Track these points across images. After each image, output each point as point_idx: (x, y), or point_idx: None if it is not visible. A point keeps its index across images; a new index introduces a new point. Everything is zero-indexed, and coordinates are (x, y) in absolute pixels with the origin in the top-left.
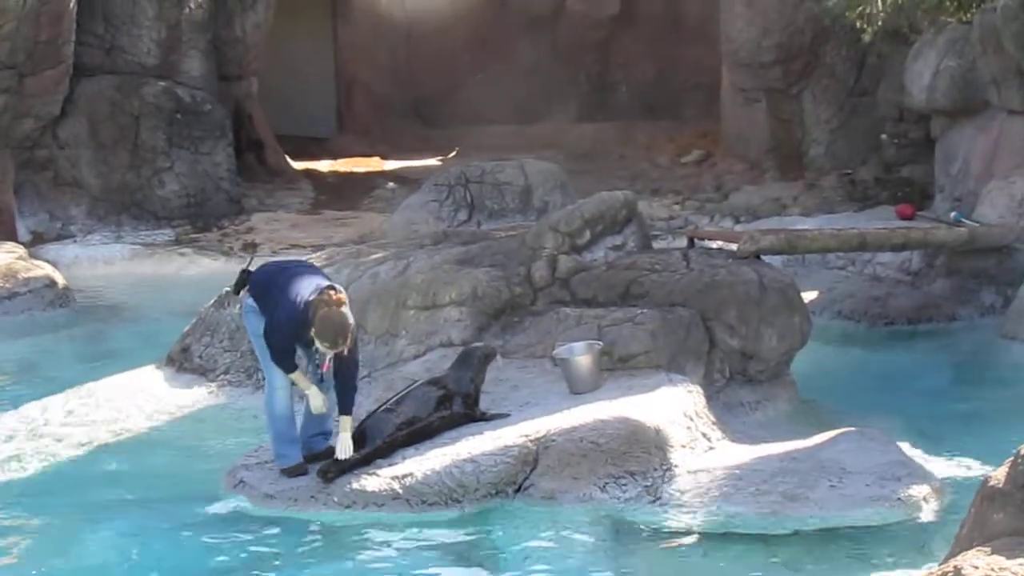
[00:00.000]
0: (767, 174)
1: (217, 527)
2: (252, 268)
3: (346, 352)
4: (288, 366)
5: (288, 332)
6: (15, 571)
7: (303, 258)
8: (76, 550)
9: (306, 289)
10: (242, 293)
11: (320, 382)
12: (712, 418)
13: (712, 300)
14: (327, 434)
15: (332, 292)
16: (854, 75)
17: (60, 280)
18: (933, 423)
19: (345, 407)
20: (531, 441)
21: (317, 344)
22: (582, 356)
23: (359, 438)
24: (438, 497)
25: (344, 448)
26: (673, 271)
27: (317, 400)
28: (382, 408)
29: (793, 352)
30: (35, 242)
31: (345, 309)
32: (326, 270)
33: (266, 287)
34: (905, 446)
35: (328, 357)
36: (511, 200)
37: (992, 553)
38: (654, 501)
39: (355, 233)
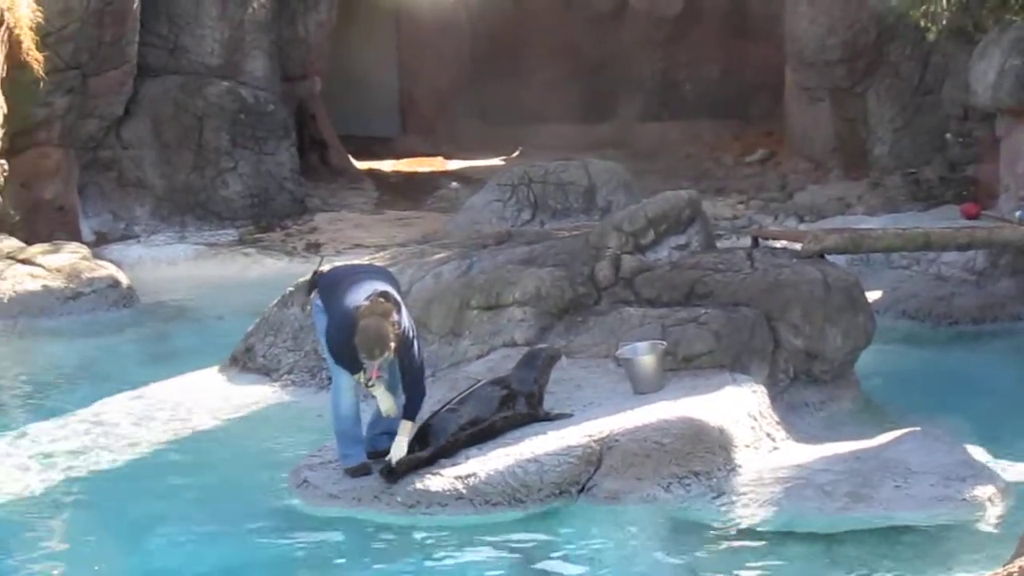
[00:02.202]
0: (831, 173)
1: (280, 527)
2: (324, 269)
3: (393, 356)
4: (351, 368)
5: (341, 338)
6: (79, 568)
7: (372, 262)
8: (140, 548)
9: (361, 296)
10: (313, 294)
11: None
12: (776, 418)
13: (776, 300)
14: (392, 433)
15: (381, 301)
16: (919, 74)
17: (124, 280)
18: (998, 423)
19: (409, 412)
20: (595, 441)
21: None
22: (646, 356)
23: (422, 437)
24: (501, 497)
25: (398, 451)
26: (737, 271)
27: (386, 402)
28: (445, 408)
29: (857, 352)
30: (99, 242)
31: (394, 317)
32: (389, 270)
33: (332, 290)
34: (970, 446)
35: (374, 365)
36: (575, 200)
37: None
38: (718, 501)
39: (418, 233)
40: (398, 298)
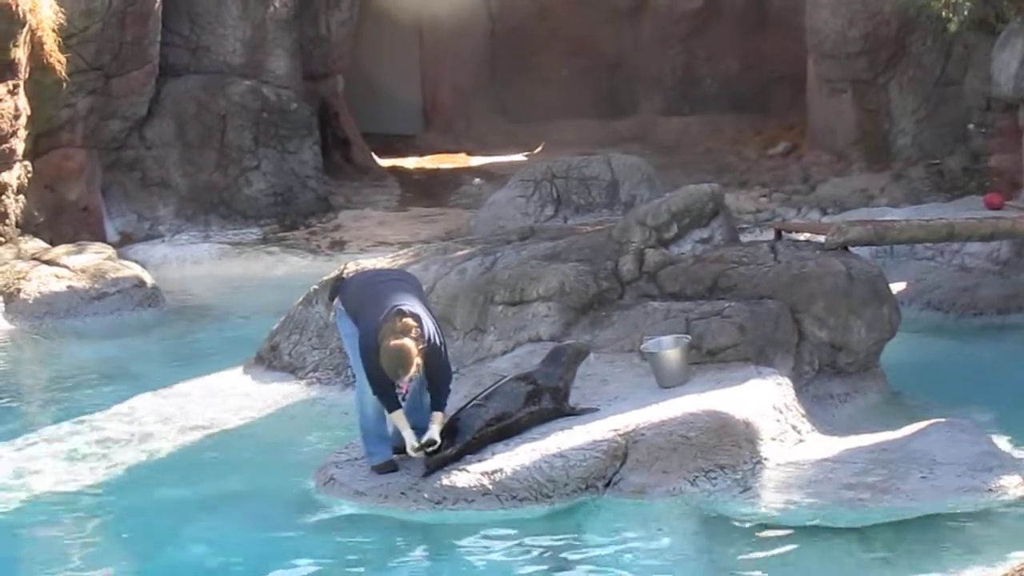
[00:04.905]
0: (854, 165)
1: (307, 524)
2: (346, 275)
3: (422, 366)
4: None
5: (371, 358)
6: (106, 565)
7: (394, 261)
8: (166, 547)
9: (380, 313)
10: (336, 300)
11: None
12: (801, 410)
13: (800, 292)
14: (419, 430)
15: (398, 319)
16: (941, 65)
17: (149, 280)
18: (1023, 413)
19: (437, 405)
20: (620, 435)
21: None
22: (670, 350)
23: (449, 433)
24: (528, 492)
25: (431, 436)
26: (761, 264)
27: (400, 423)
28: (471, 404)
29: (882, 344)
30: (123, 243)
31: (415, 332)
32: (413, 267)
33: (356, 299)
34: (996, 437)
35: (402, 381)
36: (597, 195)
37: None
38: (744, 494)
39: (442, 229)
40: (416, 309)
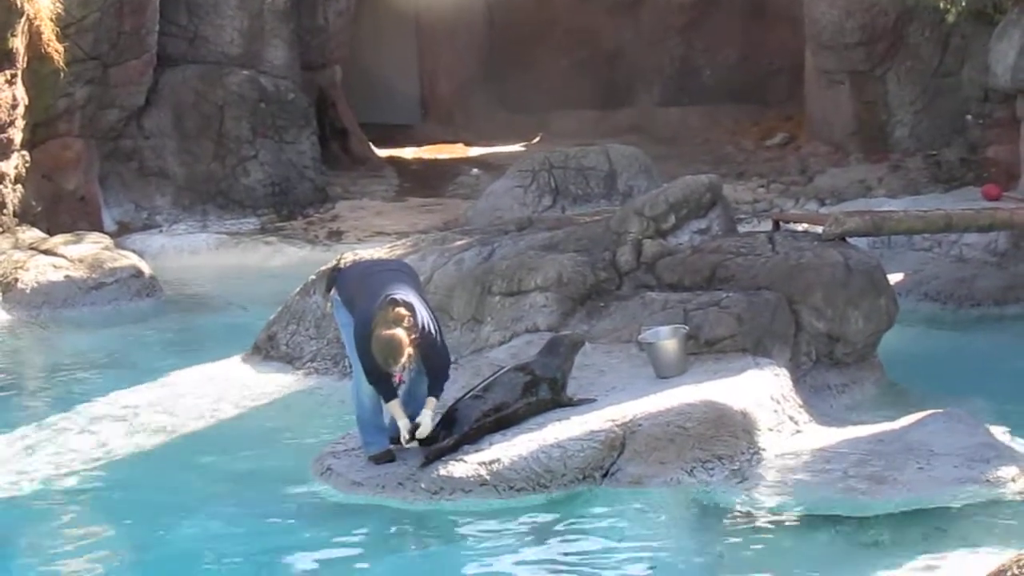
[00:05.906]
0: (852, 156)
1: (304, 514)
2: (342, 266)
3: (414, 354)
4: (380, 370)
5: (364, 346)
6: (104, 556)
7: (392, 251)
8: (163, 536)
9: (375, 303)
10: (332, 291)
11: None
12: (799, 401)
13: (798, 283)
14: (415, 420)
15: (391, 308)
16: (938, 56)
17: (146, 270)
18: (1021, 404)
19: (434, 390)
20: (618, 426)
21: None
22: (668, 340)
23: (447, 424)
24: (525, 483)
25: (424, 425)
26: (758, 254)
27: (399, 415)
28: (469, 394)
29: (880, 334)
30: (121, 232)
31: (408, 322)
32: (411, 258)
33: (352, 289)
34: (993, 427)
35: (395, 371)
36: (595, 185)
37: None
38: (741, 485)
39: (440, 220)
40: (410, 298)
